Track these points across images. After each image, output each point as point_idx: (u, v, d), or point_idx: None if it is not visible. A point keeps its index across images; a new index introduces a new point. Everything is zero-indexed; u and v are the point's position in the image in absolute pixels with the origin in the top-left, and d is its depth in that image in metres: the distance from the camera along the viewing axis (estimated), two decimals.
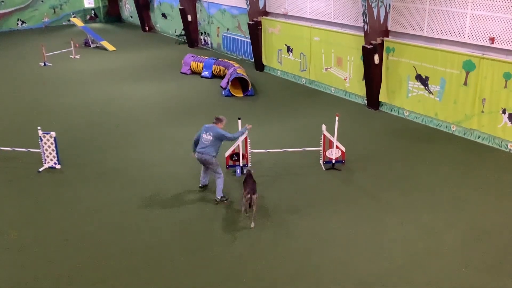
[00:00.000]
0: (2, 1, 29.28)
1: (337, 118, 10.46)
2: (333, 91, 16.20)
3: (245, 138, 10.40)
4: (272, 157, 11.12)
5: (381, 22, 13.75)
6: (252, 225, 8.51)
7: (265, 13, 18.67)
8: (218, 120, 9.45)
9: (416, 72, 13.26)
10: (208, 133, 9.24)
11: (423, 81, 13.16)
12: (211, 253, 7.81)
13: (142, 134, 12.81)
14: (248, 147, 10.51)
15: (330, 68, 16.05)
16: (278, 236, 8.24)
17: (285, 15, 17.83)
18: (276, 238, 8.17)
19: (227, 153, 10.54)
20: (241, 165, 10.47)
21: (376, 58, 13.87)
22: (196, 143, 9.44)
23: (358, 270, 7.35)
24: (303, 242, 8.08)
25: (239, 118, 10.42)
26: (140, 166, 10.90)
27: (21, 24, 30.41)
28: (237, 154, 10.46)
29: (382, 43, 13.91)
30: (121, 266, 7.48)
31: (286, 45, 17.79)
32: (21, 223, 8.69)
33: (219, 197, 9.34)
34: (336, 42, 15.55)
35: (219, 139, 9.26)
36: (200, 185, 9.86)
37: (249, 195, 8.53)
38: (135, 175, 10.50)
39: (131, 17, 31.85)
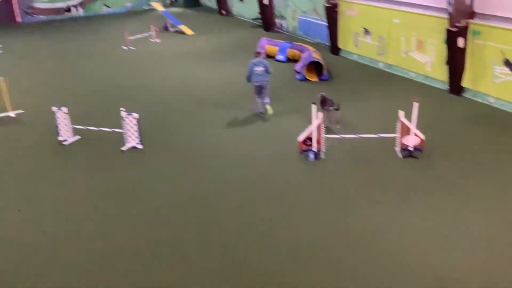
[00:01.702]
0: None
1: (416, 104, 10.10)
2: (413, 76, 15.62)
3: (319, 123, 10.33)
4: (346, 143, 10.98)
5: (467, 3, 13.01)
6: (338, 126, 11.63)
7: None
8: (259, 54, 12.78)
9: (504, 57, 12.46)
10: (259, 66, 12.42)
11: (511, 66, 12.35)
12: (279, 236, 7.90)
13: (217, 116, 13.09)
14: (322, 132, 10.44)
15: (410, 51, 15.47)
16: (348, 224, 8.17)
17: None
18: (346, 226, 8.11)
19: (301, 138, 10.54)
20: (315, 150, 10.43)
21: (461, 41, 13.18)
22: (249, 78, 12.64)
23: (433, 264, 7.13)
24: (374, 231, 7.95)
25: (313, 103, 10.37)
26: (217, 148, 11.18)
27: (106, 9, 31.89)
28: (311, 139, 10.43)
29: (467, 26, 13.17)
30: (197, 245, 7.76)
31: (363, 28, 17.34)
32: (107, 199, 9.25)
33: (267, 102, 12.67)
34: (417, 25, 14.94)
35: (267, 68, 12.44)
36: (259, 111, 12.92)
37: (328, 108, 11.72)
38: (213, 156, 10.78)
39: (209, 1, 32.37)
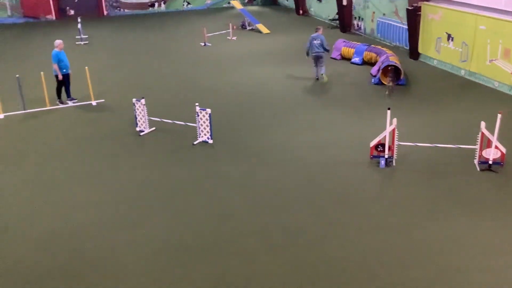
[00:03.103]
0: None
1: (499, 115, 9.55)
2: (496, 85, 14.79)
3: (393, 130, 10.05)
4: (420, 151, 10.59)
5: None
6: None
7: None
8: (319, 29, 15.46)
9: None
10: (317, 39, 15.24)
11: None
12: (344, 242, 7.77)
13: (287, 116, 13.09)
14: (395, 139, 10.14)
15: (495, 60, 14.65)
16: (416, 236, 7.87)
17: (449, 1, 16.63)
18: (413, 238, 7.81)
19: (372, 143, 10.30)
20: (386, 156, 10.15)
21: None
22: (308, 50, 15.55)
23: (508, 282, 6.72)
24: (443, 244, 7.59)
25: (389, 108, 10.09)
26: (286, 149, 11.17)
27: (187, 5, 32.87)
28: (383, 145, 10.16)
29: None
30: (257, 243, 7.79)
31: (446, 33, 16.63)
32: (173, 190, 9.52)
33: (323, 73, 15.59)
34: (505, 32, 14.10)
35: (323, 42, 15.18)
36: (316, 77, 15.84)
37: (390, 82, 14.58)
38: (281, 157, 10.79)
39: (287, 0, 32.42)
